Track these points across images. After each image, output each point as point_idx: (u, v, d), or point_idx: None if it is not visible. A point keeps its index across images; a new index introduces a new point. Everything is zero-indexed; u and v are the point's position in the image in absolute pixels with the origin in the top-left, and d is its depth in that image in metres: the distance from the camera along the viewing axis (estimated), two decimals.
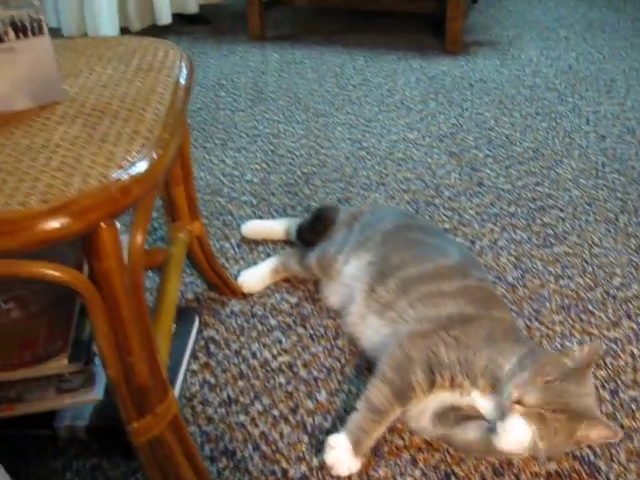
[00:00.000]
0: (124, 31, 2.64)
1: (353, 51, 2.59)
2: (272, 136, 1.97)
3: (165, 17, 2.67)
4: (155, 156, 0.72)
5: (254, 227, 1.50)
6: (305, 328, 1.26)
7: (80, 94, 0.89)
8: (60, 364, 0.85)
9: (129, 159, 0.70)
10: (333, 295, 1.28)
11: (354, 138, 1.96)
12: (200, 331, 1.25)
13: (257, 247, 1.48)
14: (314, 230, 1.36)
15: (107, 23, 2.56)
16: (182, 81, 0.92)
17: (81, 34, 2.59)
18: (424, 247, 1.21)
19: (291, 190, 1.70)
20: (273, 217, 1.59)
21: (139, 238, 0.74)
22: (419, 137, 1.96)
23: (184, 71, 0.95)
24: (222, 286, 1.29)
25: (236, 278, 1.35)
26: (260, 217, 1.59)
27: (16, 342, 0.91)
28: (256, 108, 2.15)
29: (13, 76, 0.83)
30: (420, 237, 1.25)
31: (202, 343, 1.23)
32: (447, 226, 1.54)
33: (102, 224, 0.66)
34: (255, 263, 1.42)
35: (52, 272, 0.66)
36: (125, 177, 0.68)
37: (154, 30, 2.75)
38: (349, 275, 1.23)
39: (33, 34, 0.82)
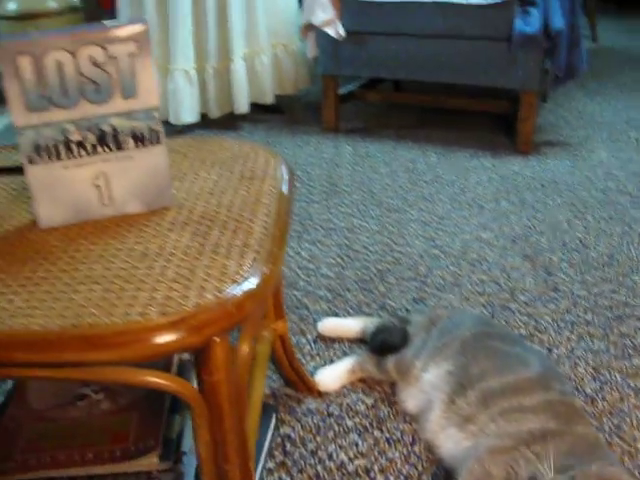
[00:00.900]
0: (203, 117, 2.76)
1: (425, 147, 2.64)
2: (347, 230, 1.99)
3: (243, 106, 2.78)
4: (266, 271, 0.73)
5: (331, 325, 1.50)
6: (382, 431, 1.23)
7: (188, 200, 0.92)
8: (151, 462, 0.86)
9: (242, 274, 0.72)
10: (410, 400, 1.25)
11: (427, 236, 1.96)
12: (277, 428, 1.24)
13: (333, 344, 1.48)
14: (388, 349, 1.34)
15: (188, 111, 2.68)
16: (285, 191, 0.95)
17: (162, 120, 2.72)
18: (504, 357, 1.19)
19: (366, 287, 1.70)
20: (349, 313, 1.59)
21: (246, 350, 0.75)
22: (492, 237, 1.95)
23: (286, 180, 0.98)
24: (299, 383, 1.28)
25: (312, 375, 1.35)
26: (336, 313, 1.59)
27: (106, 435, 0.92)
28: (331, 201, 2.19)
29: (128, 182, 0.87)
30: (500, 346, 1.23)
31: (279, 440, 1.22)
32: (523, 332, 1.51)
33: (216, 338, 0.68)
34: (331, 360, 1.41)
35: (163, 382, 0.67)
36: (239, 292, 0.69)
37: (231, 118, 2.87)
38: (428, 383, 1.21)
39: (151, 143, 0.87)
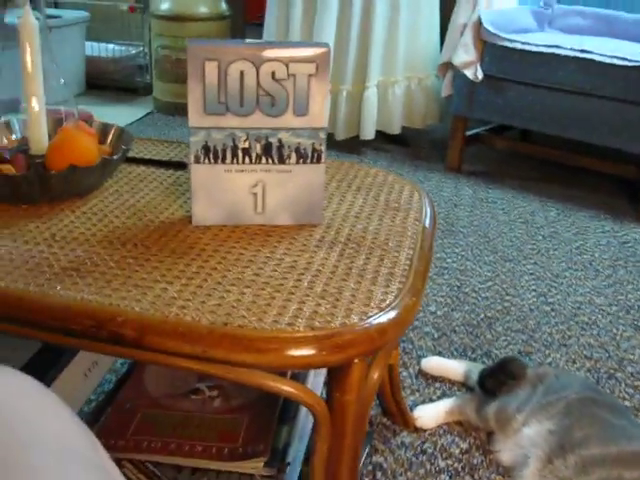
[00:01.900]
0: (329, 137, 2.80)
1: (545, 201, 2.57)
2: (459, 271, 1.96)
3: (369, 133, 2.80)
4: (410, 303, 0.73)
5: (434, 364, 1.48)
6: (473, 478, 1.20)
7: (335, 220, 0.93)
8: (256, 466, 0.86)
9: (387, 302, 0.72)
10: (506, 452, 1.22)
11: (540, 290, 1.91)
12: (370, 455, 1.23)
13: (434, 382, 1.46)
14: (497, 380, 1.32)
15: None
16: (429, 226, 0.95)
17: None
18: (609, 427, 1.14)
19: (473, 331, 1.67)
20: (453, 355, 1.56)
21: (376, 375, 0.75)
22: (606, 303, 1.87)
23: (430, 216, 0.98)
24: (397, 415, 1.27)
25: (411, 409, 1.33)
26: (440, 352, 1.57)
27: (216, 432, 0.94)
28: (446, 240, 2.16)
29: (283, 194, 0.89)
30: (606, 415, 1.18)
31: (370, 468, 1.20)
32: (628, 404, 1.43)
33: (356, 360, 0.68)
34: (430, 399, 1.39)
35: (297, 392, 0.68)
36: (384, 320, 0.69)
37: (356, 142, 2.90)
38: (527, 438, 1.17)
39: (312, 161, 0.88)
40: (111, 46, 3.74)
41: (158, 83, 3.45)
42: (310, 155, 0.88)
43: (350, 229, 0.91)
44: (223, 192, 0.89)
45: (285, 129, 0.86)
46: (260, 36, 3.02)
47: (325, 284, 0.75)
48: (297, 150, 0.88)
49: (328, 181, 1.07)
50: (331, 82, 2.85)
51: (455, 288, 1.90)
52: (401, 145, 3.09)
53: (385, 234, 0.91)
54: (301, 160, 0.88)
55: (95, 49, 3.72)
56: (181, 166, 1.11)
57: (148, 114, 3.47)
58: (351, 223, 0.93)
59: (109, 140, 1.05)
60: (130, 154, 1.07)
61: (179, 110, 3.30)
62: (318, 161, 0.89)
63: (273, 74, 0.84)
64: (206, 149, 0.87)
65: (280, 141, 0.87)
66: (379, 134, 2.94)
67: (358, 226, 0.92)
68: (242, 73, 0.83)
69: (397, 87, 2.87)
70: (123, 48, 3.78)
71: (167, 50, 3.36)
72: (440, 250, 2.12)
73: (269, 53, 0.83)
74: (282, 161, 0.88)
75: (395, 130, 2.94)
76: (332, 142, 2.89)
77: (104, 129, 1.05)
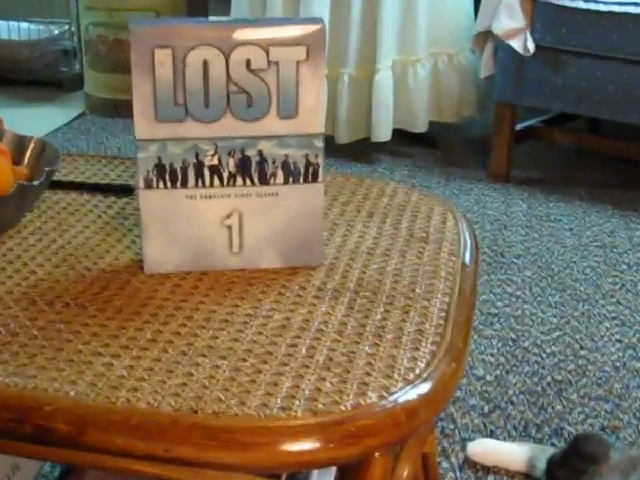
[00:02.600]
0: (327, 142, 2.83)
1: (629, 215, 2.59)
2: (514, 318, 1.97)
3: (384, 132, 2.84)
4: (448, 370, 0.74)
5: (485, 449, 1.48)
6: None
7: (340, 260, 0.94)
8: None
9: (416, 371, 0.73)
10: None
11: (627, 341, 1.91)
12: None
13: (486, 475, 1.45)
14: (572, 467, 1.33)
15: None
16: (469, 262, 0.95)
17: None
18: None
19: (536, 401, 1.67)
20: (510, 436, 1.56)
21: (406, 472, 0.76)
22: None
23: (470, 247, 0.99)
24: None
25: None
26: (492, 432, 1.57)
27: None
28: (494, 275, 2.17)
29: (268, 227, 0.91)
30: None
31: None
32: None
33: (377, 453, 0.68)
34: None
35: None
36: (413, 396, 0.70)
37: (365, 146, 2.94)
38: None
39: (305, 180, 0.89)
40: (25, 25, 3.77)
41: (91, 73, 3.49)
42: (303, 171, 0.90)
43: (361, 271, 0.92)
44: (185, 226, 0.90)
45: (267, 137, 0.88)
46: (228, 12, 3.05)
47: (330, 349, 0.76)
48: (285, 165, 0.89)
49: (329, 205, 1.08)
50: (327, 65, 2.88)
51: (509, 342, 1.90)
52: (428, 147, 3.12)
53: (410, 276, 0.92)
54: (291, 179, 0.90)
55: (3, 30, 3.74)
56: (126, 192, 1.12)
57: (78, 117, 3.51)
58: (362, 263, 0.94)
59: (26, 159, 1.06)
60: (56, 177, 1.08)
61: (121, 109, 3.34)
62: (314, 179, 0.90)
63: (248, 63, 0.85)
64: (160, 169, 0.88)
65: (261, 154, 0.88)
66: (397, 133, 2.97)
67: (372, 266, 0.93)
68: (206, 63, 0.85)
69: (420, 68, 2.91)
70: (42, 27, 3.82)
71: (101, 29, 3.41)
72: (486, 290, 2.12)
73: (242, 34, 0.85)
74: (265, 181, 0.90)
75: (419, 127, 2.97)
76: (332, 148, 2.92)
77: (19, 143, 1.06)
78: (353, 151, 2.93)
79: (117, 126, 3.32)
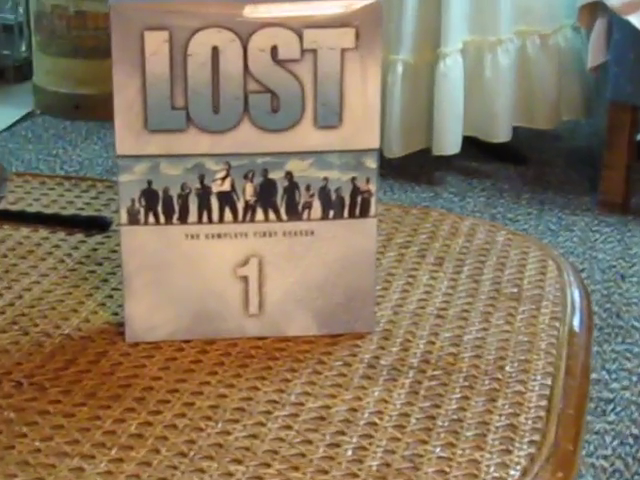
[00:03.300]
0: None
1: None
2: (635, 407, 1.95)
3: (450, 143, 2.86)
4: None
5: None
6: None
7: (398, 325, 0.95)
8: None
9: None
10: None
11: None
12: None
13: None
14: None
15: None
16: (578, 329, 0.96)
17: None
18: None
19: None
20: None
21: None
22: None
23: (579, 307, 0.99)
24: None
25: None
26: None
27: None
28: (607, 345, 2.17)
29: (299, 279, 0.91)
30: None
31: None
32: None
33: None
34: None
35: None
36: None
37: (424, 161, 2.97)
38: None
39: (351, 215, 0.90)
40: None
41: (43, 59, 3.52)
42: (348, 202, 0.91)
43: (428, 341, 0.93)
44: (184, 277, 0.90)
45: (299, 154, 0.89)
46: None
47: (386, 451, 0.76)
48: (323, 193, 0.90)
49: (381, 247, 1.08)
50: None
51: (629, 440, 1.88)
52: (512, 164, 3.12)
53: (496, 349, 0.92)
54: (331, 212, 0.90)
55: None
56: (100, 227, 1.13)
57: (24, 118, 3.52)
58: (429, 329, 0.95)
59: None
60: (0, 205, 1.10)
61: (85, 109, 3.36)
62: (364, 213, 0.91)
63: (274, 51, 0.86)
64: (150, 197, 0.89)
65: (290, 177, 0.89)
66: (469, 144, 2.97)
67: (443, 334, 0.93)
68: (216, 51, 0.86)
69: (501, 53, 2.91)
70: None
71: None
72: (597, 366, 2.11)
73: (265, 11, 0.86)
74: (295, 215, 0.90)
75: (500, 135, 2.97)
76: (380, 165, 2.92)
77: None
78: (408, 169, 2.94)
79: (79, 132, 3.35)
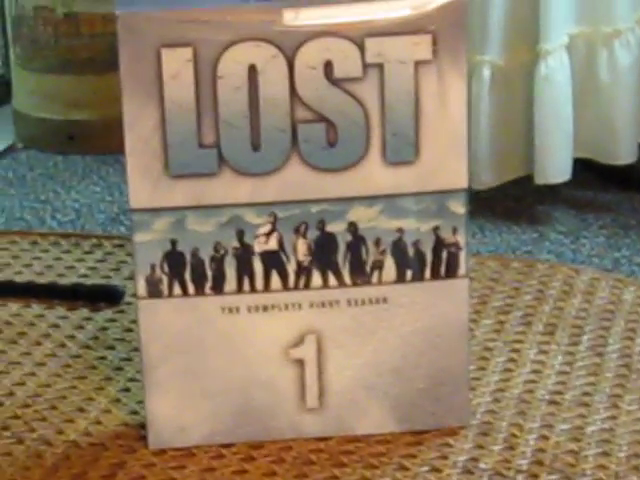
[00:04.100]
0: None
1: None
2: None
3: (559, 169, 2.83)
4: None
5: None
6: None
7: (500, 416, 0.96)
8: None
9: None
10: None
11: None
12: None
13: None
14: None
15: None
16: None
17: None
18: None
19: None
20: None
21: None
22: None
23: None
24: None
25: None
26: None
27: None
28: None
29: (368, 358, 0.92)
30: None
31: None
32: None
33: None
34: None
35: None
36: None
37: (521, 191, 3.00)
38: None
39: (434, 275, 0.91)
40: None
41: (24, 76, 3.54)
42: (431, 259, 0.91)
43: (541, 436, 0.94)
44: (221, 364, 0.91)
45: (366, 199, 0.89)
46: None
47: None
48: (398, 249, 0.90)
49: (475, 314, 1.08)
50: None
51: None
52: (638, 191, 3.10)
53: (629, 443, 0.92)
54: (409, 273, 0.91)
55: None
56: (110, 299, 1.13)
57: (5, 153, 3.53)
58: (541, 420, 0.95)
59: None
60: None
61: (82, 140, 3.37)
62: (452, 272, 0.92)
63: (328, 68, 0.87)
64: (175, 261, 0.90)
65: (355, 229, 0.90)
66: (581, 168, 2.96)
67: (559, 426, 0.93)
68: (253, 71, 0.87)
69: (620, 47, 2.91)
70: None
71: None
72: None
73: (315, 18, 0.87)
74: (363, 278, 0.91)
75: (623, 156, 2.97)
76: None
77: None
78: (503, 203, 2.93)
79: (74, 169, 3.35)
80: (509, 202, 2.88)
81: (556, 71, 2.76)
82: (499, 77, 2.81)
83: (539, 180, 2.80)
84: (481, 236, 2.78)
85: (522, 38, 2.78)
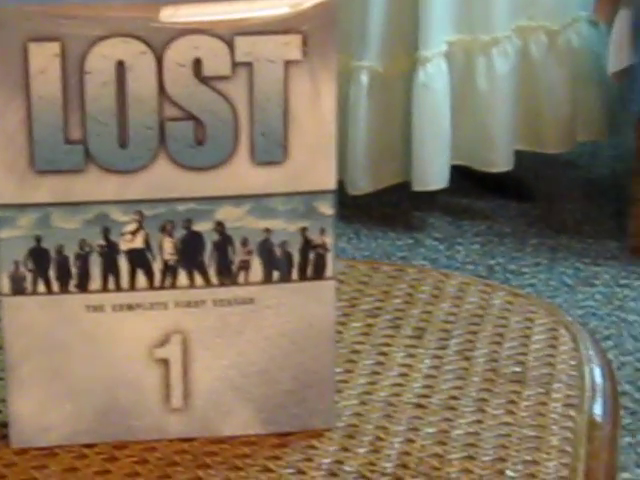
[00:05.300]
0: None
1: None
2: None
3: (436, 176, 2.89)
4: None
5: None
6: None
7: (366, 419, 0.96)
8: None
9: None
10: None
11: None
12: None
13: None
14: None
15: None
16: (601, 419, 0.96)
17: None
18: None
19: None
20: None
21: None
22: None
23: (602, 391, 1.00)
24: None
25: None
26: None
27: None
28: None
29: (234, 359, 0.92)
30: None
31: None
32: None
33: None
34: None
35: None
36: None
37: (397, 197, 2.94)
38: None
39: (301, 276, 0.91)
40: None
41: None
42: (298, 260, 0.91)
43: (405, 439, 0.94)
44: (85, 362, 0.90)
45: (233, 199, 0.89)
46: None
47: None
48: (265, 249, 0.90)
49: (343, 317, 1.08)
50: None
51: None
52: (515, 200, 3.13)
53: (494, 447, 0.93)
54: (276, 274, 0.91)
55: None
56: None
57: None
58: (407, 423, 0.96)
59: None
60: None
61: None
62: (319, 274, 0.92)
63: (197, 66, 0.87)
64: (39, 258, 0.89)
65: (222, 229, 0.89)
66: (457, 175, 2.98)
67: (425, 430, 0.94)
68: (122, 67, 0.86)
69: (498, 56, 2.94)
70: None
71: None
72: (631, 464, 2.12)
73: (185, 14, 0.86)
74: (229, 278, 0.91)
75: (498, 164, 3.00)
76: (341, 202, 2.92)
77: None
78: (379, 209, 2.95)
79: None
80: (385, 208, 2.90)
81: (434, 78, 2.79)
82: (377, 83, 2.82)
83: (417, 187, 2.82)
84: (357, 241, 2.80)
85: (401, 45, 2.80)
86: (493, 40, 2.87)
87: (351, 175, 2.79)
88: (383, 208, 2.91)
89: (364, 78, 2.80)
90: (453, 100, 2.86)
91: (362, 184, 2.82)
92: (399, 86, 2.87)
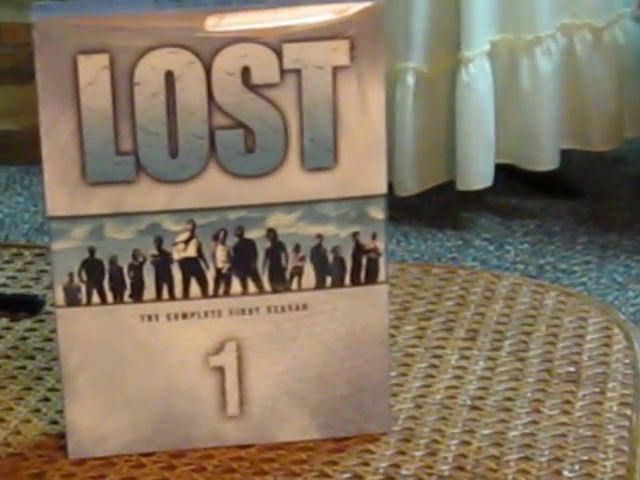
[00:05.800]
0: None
1: None
2: None
3: (481, 176, 2.87)
4: None
5: None
6: None
7: (421, 422, 0.96)
8: None
9: None
10: None
11: None
12: None
13: None
14: None
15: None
16: None
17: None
18: None
19: None
20: None
21: None
22: None
23: None
24: None
25: None
26: None
27: None
28: None
29: (289, 365, 0.91)
30: None
31: None
32: None
33: None
34: None
35: None
36: None
37: (444, 198, 2.94)
38: None
39: (354, 281, 0.90)
40: None
41: None
42: (350, 265, 0.91)
43: (462, 441, 0.93)
44: (141, 372, 0.90)
45: (284, 205, 0.89)
46: None
47: None
48: (317, 255, 0.90)
49: (396, 320, 1.08)
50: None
51: None
52: (562, 198, 3.11)
53: (550, 447, 0.92)
54: (328, 279, 0.91)
55: None
56: (28, 308, 1.12)
57: None
58: (462, 425, 0.95)
59: None
60: None
61: (4, 149, 3.34)
62: (371, 279, 0.91)
63: (246, 74, 0.87)
64: (93, 269, 0.89)
65: (274, 236, 0.89)
66: (503, 174, 2.96)
67: (481, 432, 0.93)
68: (171, 78, 0.86)
69: (541, 54, 2.92)
70: None
71: None
72: None
73: (231, 24, 0.86)
74: (282, 284, 0.90)
75: (545, 162, 2.98)
76: (389, 204, 2.92)
77: None
78: (427, 209, 2.93)
79: None
80: (434, 209, 2.89)
81: (477, 78, 2.77)
82: (423, 84, 2.81)
83: (461, 186, 2.80)
84: (406, 244, 2.79)
85: (445, 45, 2.79)
86: (536, 39, 2.85)
87: (398, 176, 2.78)
88: (431, 209, 2.89)
89: (410, 79, 2.78)
90: (496, 99, 2.85)
91: (409, 185, 2.81)
92: (444, 86, 2.86)
